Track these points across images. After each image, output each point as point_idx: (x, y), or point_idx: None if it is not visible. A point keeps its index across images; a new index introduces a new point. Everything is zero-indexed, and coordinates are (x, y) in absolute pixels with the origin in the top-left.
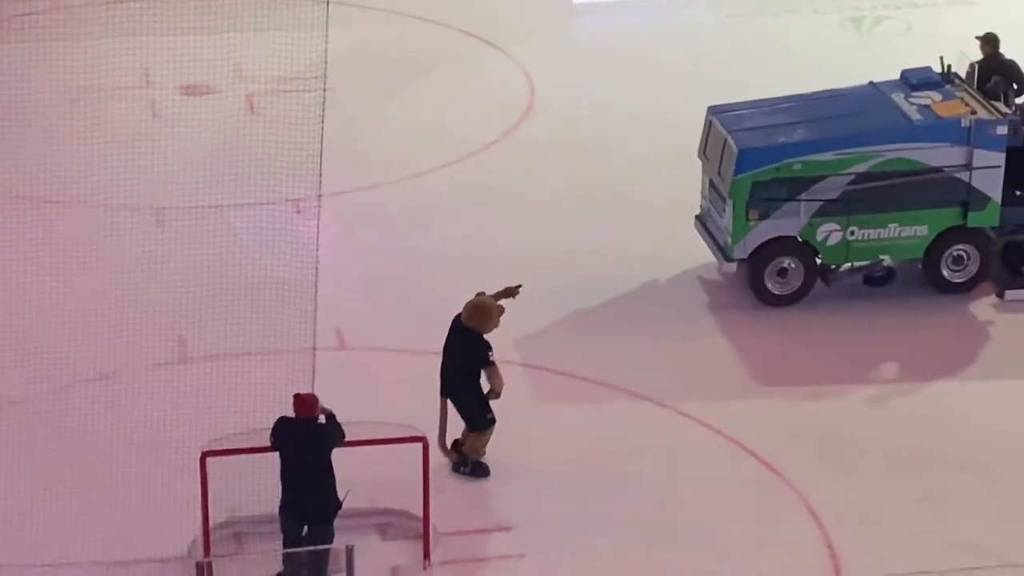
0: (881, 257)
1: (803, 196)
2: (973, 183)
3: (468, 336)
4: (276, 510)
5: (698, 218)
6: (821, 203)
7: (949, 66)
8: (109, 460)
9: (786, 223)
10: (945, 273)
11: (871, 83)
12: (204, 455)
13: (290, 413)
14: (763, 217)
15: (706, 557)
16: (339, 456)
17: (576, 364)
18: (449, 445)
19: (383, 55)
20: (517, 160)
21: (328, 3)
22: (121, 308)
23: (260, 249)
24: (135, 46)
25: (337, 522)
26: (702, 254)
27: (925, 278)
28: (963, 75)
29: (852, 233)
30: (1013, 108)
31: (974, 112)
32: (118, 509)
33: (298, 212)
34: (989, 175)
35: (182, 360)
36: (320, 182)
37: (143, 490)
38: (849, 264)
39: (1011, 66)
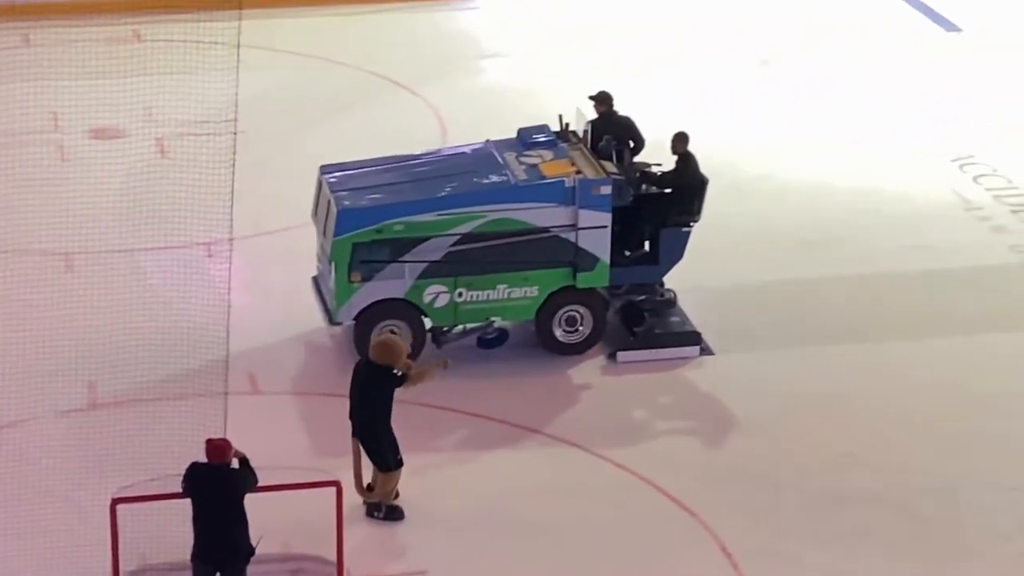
0: (492, 319)
1: (407, 257)
2: (580, 243)
3: (377, 372)
4: (188, 557)
5: (314, 279)
6: (426, 264)
7: (567, 124)
8: (17, 508)
9: (391, 285)
10: (558, 334)
11: (488, 141)
12: (114, 501)
13: (202, 458)
14: (366, 279)
15: None
16: (251, 501)
17: (488, 406)
18: (365, 486)
19: (294, 97)
20: None
21: (239, 46)
22: (29, 355)
23: (171, 293)
24: (43, 90)
25: (250, 568)
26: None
27: (539, 340)
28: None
29: (460, 295)
30: (627, 167)
31: (579, 172)
32: (26, 558)
33: (209, 255)
34: (596, 235)
35: (92, 406)
36: (231, 225)
37: (52, 538)
38: (461, 326)
39: (626, 124)
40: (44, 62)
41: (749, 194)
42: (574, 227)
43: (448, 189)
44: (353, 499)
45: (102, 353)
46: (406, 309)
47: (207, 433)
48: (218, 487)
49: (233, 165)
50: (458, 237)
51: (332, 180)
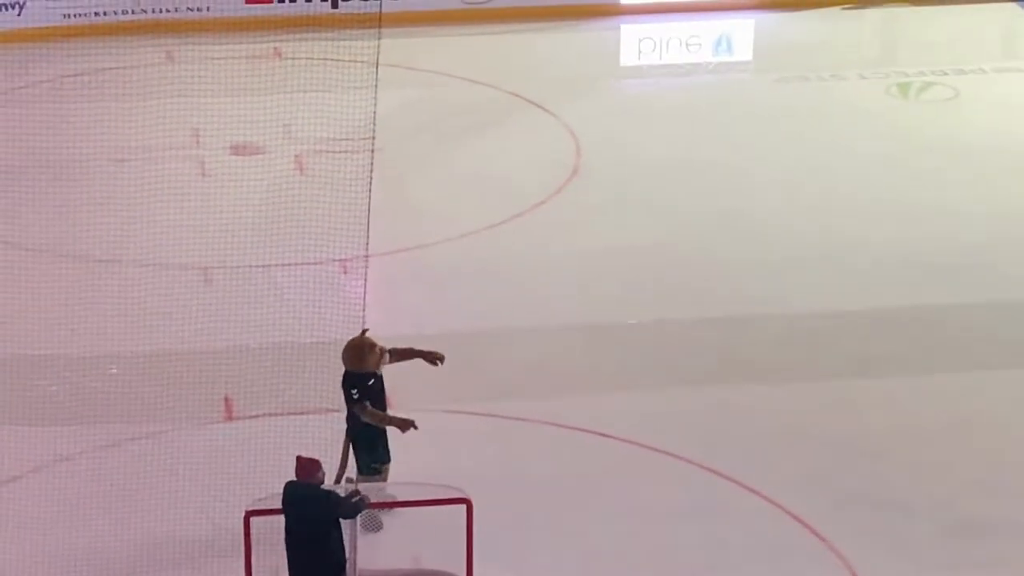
0: None
1: None
2: None
3: (345, 378)
4: None
5: None
6: None
7: None
8: (154, 519)
9: None
10: None
11: None
12: (248, 514)
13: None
14: None
15: None
16: (384, 515)
17: (614, 425)
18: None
19: (431, 116)
20: (561, 221)
21: (378, 64)
22: (168, 367)
23: (307, 309)
24: (185, 107)
25: None
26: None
27: None
28: None
29: None
30: None
31: None
32: (162, 568)
33: (344, 272)
34: None
35: (227, 419)
36: (368, 242)
37: (187, 549)
38: None
39: None
40: (186, 79)
41: (884, 218)
42: None
43: None
44: (482, 516)
45: (238, 367)
46: None
47: (339, 446)
48: (303, 507)
49: (370, 182)
50: None
51: None
